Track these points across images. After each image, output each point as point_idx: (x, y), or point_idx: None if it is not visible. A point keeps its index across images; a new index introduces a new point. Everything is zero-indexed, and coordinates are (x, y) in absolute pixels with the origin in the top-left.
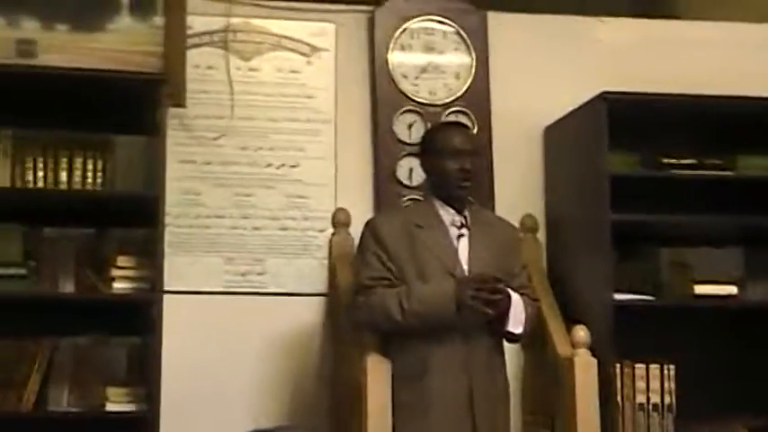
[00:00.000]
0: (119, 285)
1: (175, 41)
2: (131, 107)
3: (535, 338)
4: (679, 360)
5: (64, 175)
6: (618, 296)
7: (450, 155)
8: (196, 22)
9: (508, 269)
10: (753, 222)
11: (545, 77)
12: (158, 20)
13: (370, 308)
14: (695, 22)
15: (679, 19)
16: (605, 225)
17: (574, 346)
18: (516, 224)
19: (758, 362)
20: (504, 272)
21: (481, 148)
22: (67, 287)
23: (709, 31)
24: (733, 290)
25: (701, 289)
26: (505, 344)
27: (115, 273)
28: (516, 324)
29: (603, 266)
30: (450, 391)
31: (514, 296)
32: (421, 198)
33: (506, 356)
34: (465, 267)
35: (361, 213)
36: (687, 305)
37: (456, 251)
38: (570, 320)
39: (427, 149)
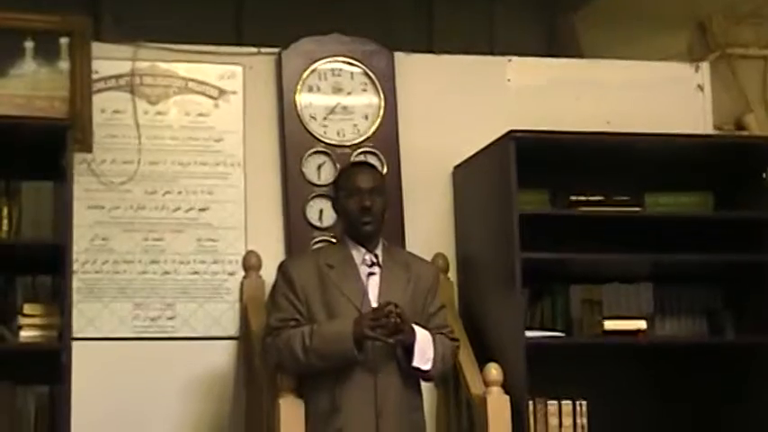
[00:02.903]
0: (26, 334)
1: (81, 86)
2: (37, 153)
3: (448, 377)
4: (591, 396)
5: None
6: (530, 333)
7: (351, 193)
8: (102, 67)
9: (423, 309)
10: (661, 259)
11: (453, 117)
12: (63, 65)
13: (277, 349)
14: (601, 61)
15: (585, 58)
16: (516, 263)
17: (486, 384)
18: None
19: (668, 396)
20: (418, 311)
21: (386, 187)
22: None
23: (615, 70)
24: (642, 325)
25: (610, 325)
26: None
27: (23, 321)
28: (423, 360)
29: (515, 304)
30: (359, 431)
31: (421, 331)
32: (333, 239)
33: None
34: (374, 305)
35: (271, 256)
36: (598, 341)
37: (365, 289)
38: (483, 359)
39: (335, 190)
